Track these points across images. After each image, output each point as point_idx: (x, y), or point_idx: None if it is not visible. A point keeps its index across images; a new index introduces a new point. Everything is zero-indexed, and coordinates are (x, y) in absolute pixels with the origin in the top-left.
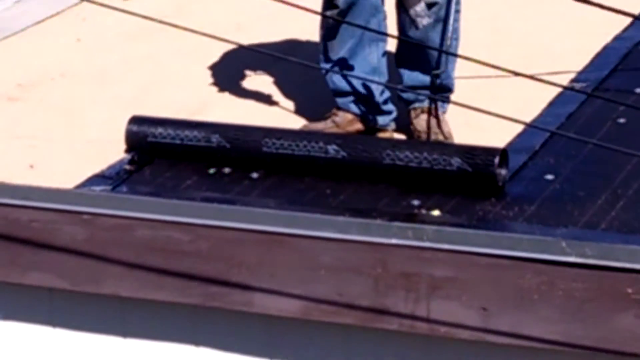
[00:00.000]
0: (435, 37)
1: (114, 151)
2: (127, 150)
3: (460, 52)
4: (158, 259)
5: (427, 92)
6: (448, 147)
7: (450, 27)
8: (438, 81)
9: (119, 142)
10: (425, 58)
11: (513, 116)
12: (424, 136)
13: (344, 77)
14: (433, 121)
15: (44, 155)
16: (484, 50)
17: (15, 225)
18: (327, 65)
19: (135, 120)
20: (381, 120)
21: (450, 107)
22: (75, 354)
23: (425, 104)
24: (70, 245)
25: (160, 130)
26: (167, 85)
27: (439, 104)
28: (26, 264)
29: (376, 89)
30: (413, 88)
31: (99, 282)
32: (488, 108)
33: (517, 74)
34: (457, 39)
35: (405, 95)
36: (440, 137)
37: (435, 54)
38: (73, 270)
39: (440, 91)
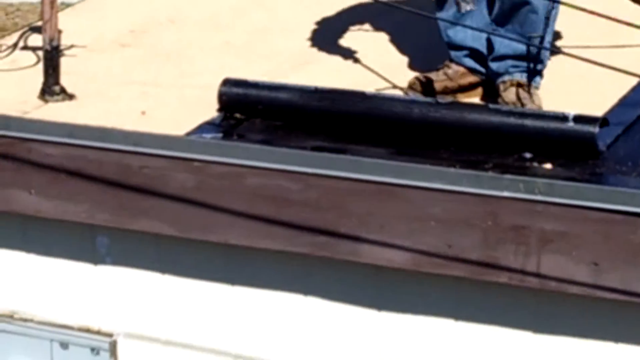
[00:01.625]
0: (537, 3)
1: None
2: (220, 110)
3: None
4: (267, 208)
5: (521, 62)
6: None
7: None
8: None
9: None
10: (525, 23)
11: (628, 69)
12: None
13: (459, 30)
14: (524, 94)
15: (155, 102)
16: (600, 1)
17: (127, 171)
18: (442, 17)
19: (229, 82)
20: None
21: (564, 59)
22: (183, 301)
23: (516, 76)
24: (180, 193)
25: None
26: (277, 32)
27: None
28: (136, 210)
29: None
30: (505, 57)
31: (208, 230)
32: (603, 60)
33: (634, 25)
34: (556, 8)
35: (495, 65)
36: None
37: (536, 20)
38: (182, 217)
39: (534, 62)
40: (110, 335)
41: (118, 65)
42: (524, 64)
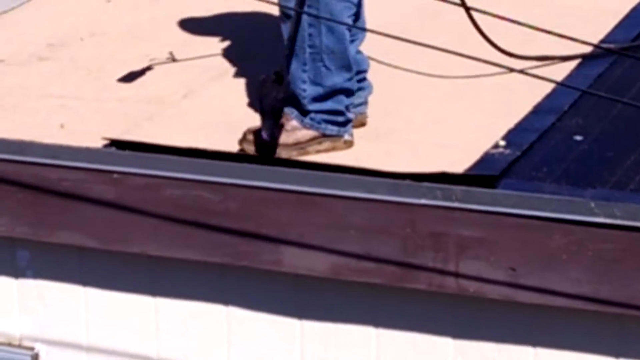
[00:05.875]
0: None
1: (144, 110)
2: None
3: (489, 10)
4: (187, 218)
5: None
6: None
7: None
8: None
9: (150, 101)
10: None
11: (540, 75)
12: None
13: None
14: (279, 132)
15: (74, 115)
16: (513, 9)
17: (45, 184)
18: None
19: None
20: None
21: (480, 67)
22: (105, 313)
23: (286, 111)
24: (100, 204)
25: None
26: (196, 44)
27: (290, 110)
28: (55, 223)
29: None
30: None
31: (128, 241)
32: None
33: (547, 32)
34: (313, 47)
35: None
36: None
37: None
38: (102, 229)
39: (291, 97)
40: (31, 349)
41: (36, 78)
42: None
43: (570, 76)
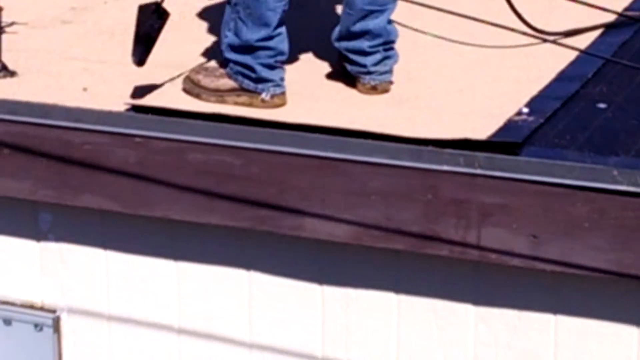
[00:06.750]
0: None
1: (167, 75)
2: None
3: None
4: (209, 183)
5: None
6: None
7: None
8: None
9: (172, 65)
10: None
11: (564, 43)
12: None
13: None
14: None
15: (97, 78)
16: None
17: (68, 148)
18: None
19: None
20: None
21: (505, 33)
22: (127, 276)
23: None
24: (122, 168)
25: None
26: (213, 8)
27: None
28: (78, 186)
29: None
30: None
31: (151, 205)
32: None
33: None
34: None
35: None
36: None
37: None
38: (125, 192)
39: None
40: (53, 311)
41: (59, 42)
42: None
43: (594, 44)
